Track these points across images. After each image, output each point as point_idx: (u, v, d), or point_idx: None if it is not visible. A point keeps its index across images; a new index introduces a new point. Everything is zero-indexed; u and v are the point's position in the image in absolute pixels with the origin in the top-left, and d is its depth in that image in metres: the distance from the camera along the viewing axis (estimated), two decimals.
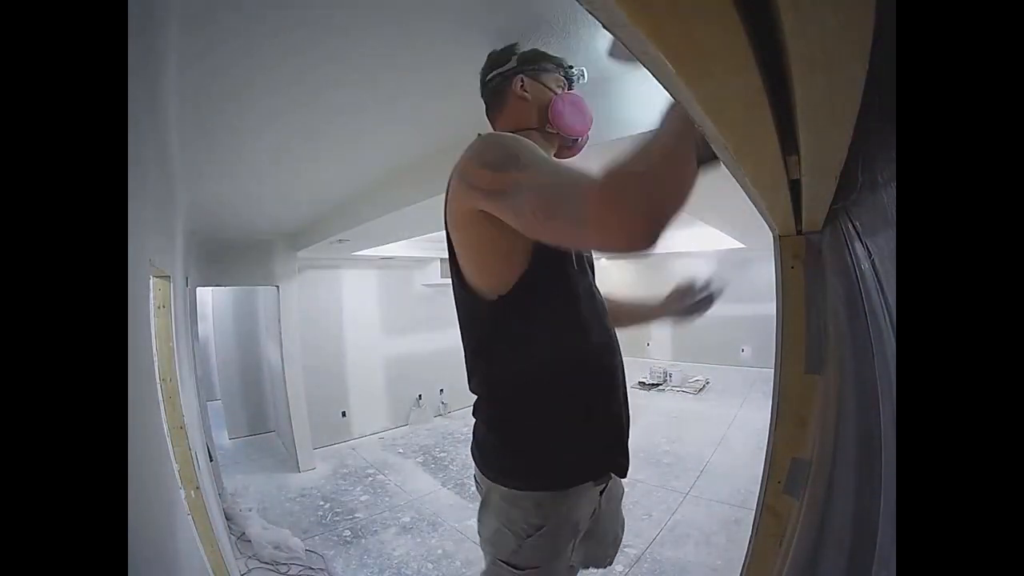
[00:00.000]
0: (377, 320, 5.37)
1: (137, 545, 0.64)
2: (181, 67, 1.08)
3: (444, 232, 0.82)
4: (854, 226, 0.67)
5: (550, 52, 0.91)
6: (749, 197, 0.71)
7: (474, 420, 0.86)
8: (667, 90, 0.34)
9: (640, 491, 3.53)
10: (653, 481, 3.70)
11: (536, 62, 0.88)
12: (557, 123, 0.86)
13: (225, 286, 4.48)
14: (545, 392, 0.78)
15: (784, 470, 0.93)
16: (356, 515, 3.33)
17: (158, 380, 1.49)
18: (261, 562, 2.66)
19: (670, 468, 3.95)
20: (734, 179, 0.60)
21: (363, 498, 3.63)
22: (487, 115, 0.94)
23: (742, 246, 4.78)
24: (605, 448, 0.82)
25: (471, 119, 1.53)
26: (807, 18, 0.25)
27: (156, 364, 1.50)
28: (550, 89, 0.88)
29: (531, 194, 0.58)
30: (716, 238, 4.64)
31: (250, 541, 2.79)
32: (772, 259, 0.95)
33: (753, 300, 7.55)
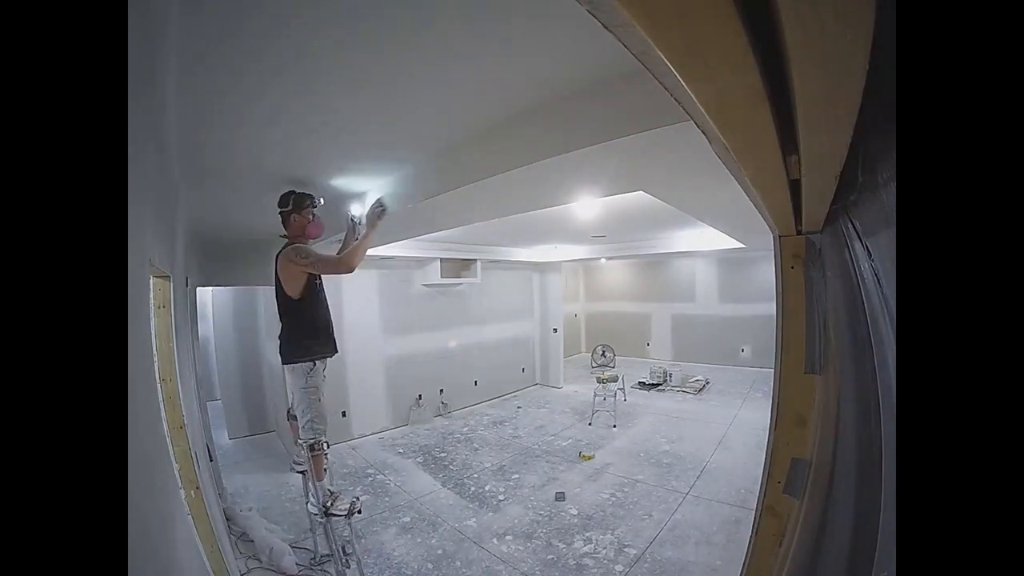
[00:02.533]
0: (377, 320, 5.37)
1: (137, 545, 0.64)
2: (181, 67, 1.08)
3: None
4: (854, 226, 0.67)
5: (307, 194, 2.13)
6: (749, 197, 0.71)
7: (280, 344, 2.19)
8: (667, 90, 0.34)
9: (640, 491, 3.53)
10: (653, 481, 3.70)
11: (301, 205, 2.10)
12: (309, 236, 2.15)
13: (225, 286, 4.48)
14: (309, 330, 2.16)
15: (784, 470, 0.93)
16: (356, 515, 3.33)
17: (158, 380, 1.49)
18: (261, 562, 2.66)
19: (670, 468, 3.95)
20: (734, 179, 0.60)
21: (363, 498, 3.63)
22: (283, 224, 2.15)
23: (742, 246, 4.78)
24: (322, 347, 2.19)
25: (471, 120, 1.53)
26: (807, 18, 0.25)
27: (156, 364, 1.50)
28: (306, 218, 2.11)
29: (320, 261, 2.05)
30: (716, 238, 4.64)
31: (252, 541, 2.79)
32: (772, 259, 0.95)
33: (753, 300, 7.60)
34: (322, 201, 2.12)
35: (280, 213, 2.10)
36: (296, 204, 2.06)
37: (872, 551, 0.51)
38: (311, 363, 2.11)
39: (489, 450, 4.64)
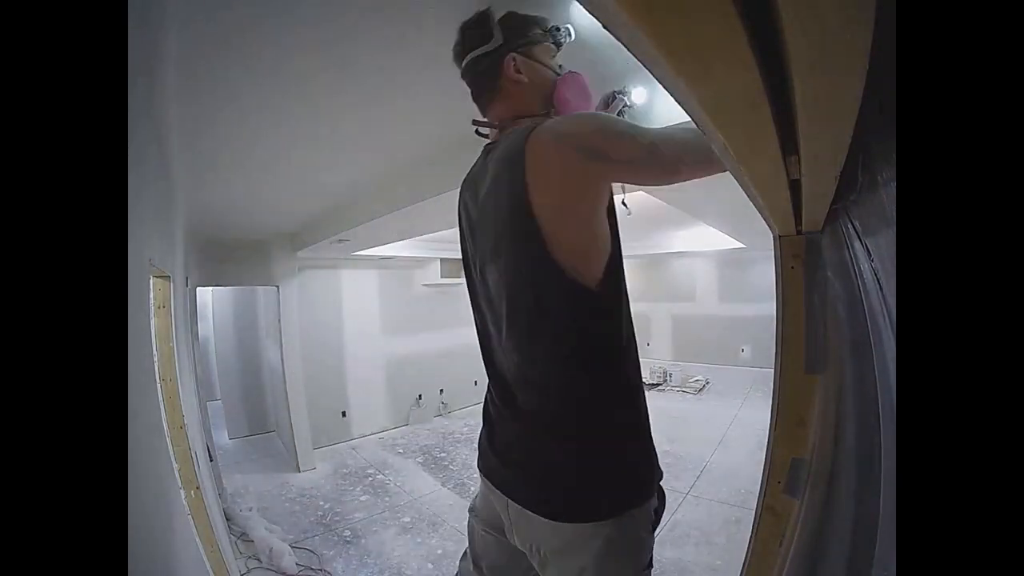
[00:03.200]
0: (377, 320, 5.37)
1: (137, 545, 0.64)
2: (181, 67, 1.08)
3: (500, 221, 0.72)
4: (854, 226, 0.67)
5: (528, 13, 0.81)
6: (749, 197, 0.71)
7: (542, 444, 0.71)
8: (667, 90, 0.34)
9: None
10: None
11: (522, 34, 0.79)
12: (563, 111, 0.80)
13: (225, 286, 4.48)
14: (628, 396, 0.73)
15: (784, 470, 0.93)
16: (356, 515, 3.33)
17: (158, 380, 1.49)
18: (261, 562, 2.66)
19: (670, 468, 3.95)
20: (734, 179, 0.60)
21: (363, 498, 3.63)
22: (476, 100, 0.85)
23: (742, 246, 4.78)
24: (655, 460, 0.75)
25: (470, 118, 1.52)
26: (807, 18, 0.25)
27: (156, 364, 1.50)
28: (546, 66, 0.81)
29: (674, 149, 0.67)
30: (716, 238, 4.63)
31: (252, 541, 2.79)
32: (772, 259, 0.95)
33: (753, 300, 7.59)
34: (572, 34, 0.85)
35: (472, 64, 0.81)
36: (511, 38, 0.79)
37: (872, 551, 0.51)
38: (658, 504, 0.75)
39: None
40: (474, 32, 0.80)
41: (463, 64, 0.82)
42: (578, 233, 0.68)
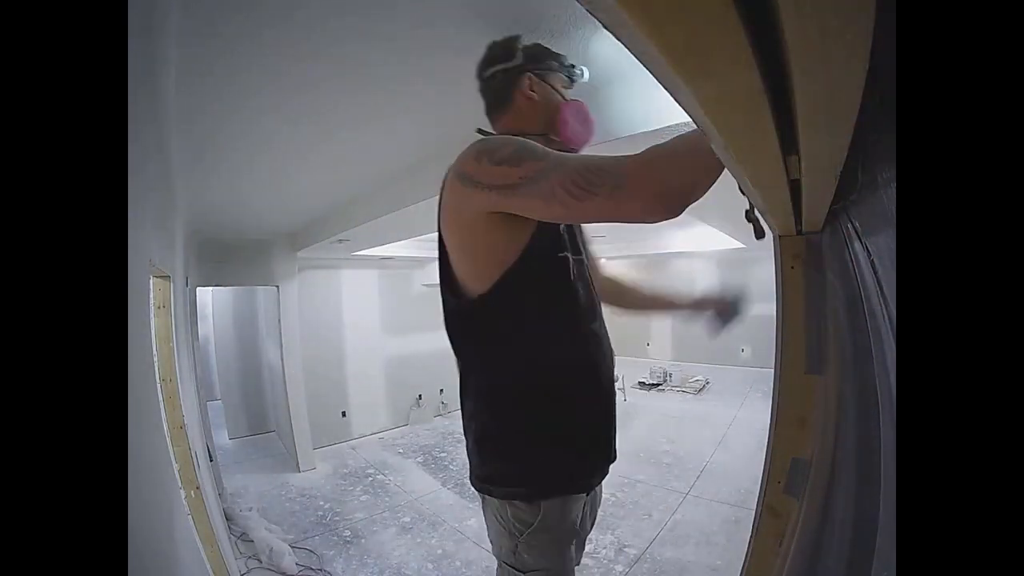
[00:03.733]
0: (377, 320, 5.37)
1: (137, 545, 0.64)
2: (181, 68, 1.08)
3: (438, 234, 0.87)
4: (854, 226, 0.67)
5: (552, 49, 0.91)
6: (749, 197, 0.71)
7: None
8: (667, 90, 0.34)
9: (640, 491, 3.53)
10: (653, 481, 3.70)
11: (542, 60, 0.89)
12: (563, 133, 0.87)
13: (225, 286, 4.48)
14: (522, 399, 0.80)
15: (784, 470, 0.93)
16: (356, 515, 3.33)
17: (158, 380, 1.49)
18: (261, 562, 2.66)
19: (670, 468, 3.95)
20: (734, 179, 0.60)
21: (363, 498, 3.63)
22: (488, 114, 0.94)
23: (742, 246, 4.78)
24: (589, 458, 0.86)
25: (471, 118, 1.53)
26: (807, 18, 0.25)
27: (156, 364, 1.50)
28: (557, 92, 0.90)
29: (561, 176, 0.61)
30: (716, 238, 4.63)
31: (252, 541, 2.79)
32: (772, 259, 0.95)
33: (753, 300, 7.59)
34: (585, 75, 0.96)
35: (490, 77, 0.89)
36: (532, 60, 0.87)
37: (872, 551, 0.51)
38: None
39: None
40: (500, 50, 0.89)
41: (484, 76, 0.90)
42: (471, 251, 0.79)
